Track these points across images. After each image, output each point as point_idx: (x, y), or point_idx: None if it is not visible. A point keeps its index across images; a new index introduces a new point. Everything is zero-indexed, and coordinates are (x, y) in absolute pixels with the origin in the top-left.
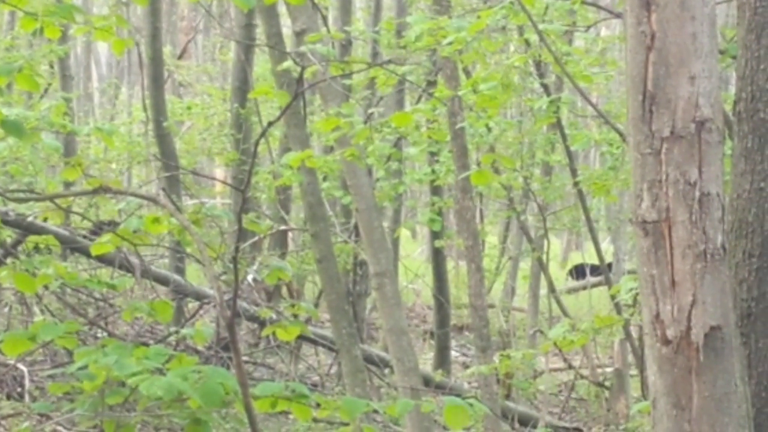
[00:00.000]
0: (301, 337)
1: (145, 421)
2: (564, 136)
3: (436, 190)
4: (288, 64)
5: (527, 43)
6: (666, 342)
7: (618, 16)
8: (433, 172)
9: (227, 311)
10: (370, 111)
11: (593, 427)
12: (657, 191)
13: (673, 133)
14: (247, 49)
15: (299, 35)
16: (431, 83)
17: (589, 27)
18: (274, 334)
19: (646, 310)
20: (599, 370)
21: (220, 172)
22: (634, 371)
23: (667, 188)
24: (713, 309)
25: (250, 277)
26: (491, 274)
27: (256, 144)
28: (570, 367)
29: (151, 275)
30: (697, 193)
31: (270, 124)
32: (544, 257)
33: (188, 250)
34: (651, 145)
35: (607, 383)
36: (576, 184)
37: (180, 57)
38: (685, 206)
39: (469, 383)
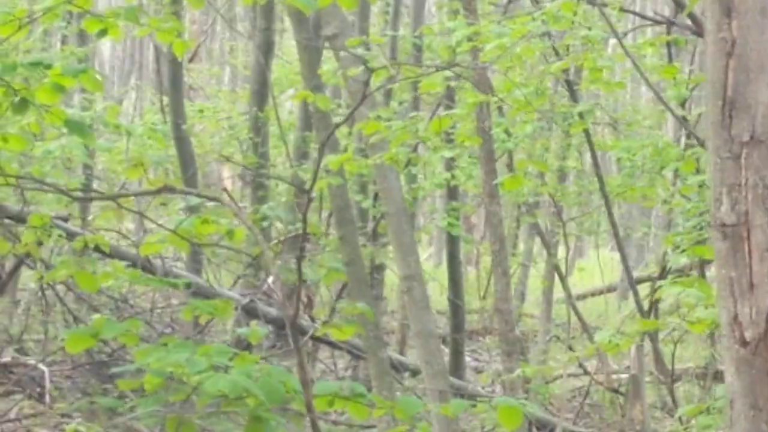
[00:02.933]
0: (319, 340)
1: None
2: (591, 143)
3: (452, 195)
4: (356, 70)
5: (567, 49)
6: (744, 343)
7: (659, 22)
8: (453, 177)
9: (290, 310)
10: (411, 115)
11: None
12: (736, 195)
13: (753, 138)
14: (266, 52)
15: (330, 39)
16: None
17: (626, 33)
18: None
19: (724, 312)
20: (614, 376)
21: (226, 174)
22: (648, 378)
23: (746, 192)
24: None
25: (270, 279)
26: None
27: (323, 144)
28: (585, 372)
29: (173, 276)
30: None
31: (338, 125)
32: (563, 264)
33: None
34: (730, 150)
35: (621, 389)
36: (602, 190)
37: (191, 60)
38: (764, 210)
39: (483, 387)
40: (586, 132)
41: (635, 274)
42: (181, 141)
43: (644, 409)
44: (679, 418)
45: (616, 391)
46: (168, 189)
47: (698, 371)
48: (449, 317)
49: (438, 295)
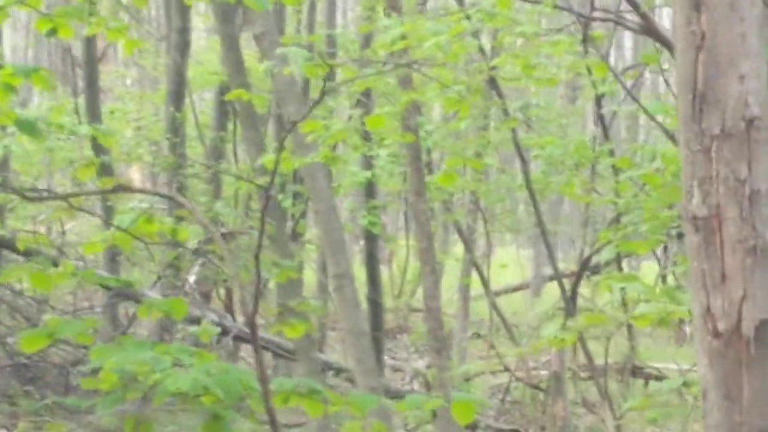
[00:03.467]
0: (241, 339)
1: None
2: (516, 139)
3: (370, 193)
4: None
5: (493, 48)
6: (717, 335)
7: (606, 20)
8: (373, 175)
9: (250, 308)
10: (349, 113)
11: (529, 429)
12: (707, 188)
13: (723, 131)
14: (183, 52)
15: (258, 38)
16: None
17: (560, 30)
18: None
19: (697, 304)
20: (534, 373)
21: (136, 175)
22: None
23: (717, 185)
24: (763, 302)
25: (191, 279)
26: (414, 277)
27: (281, 142)
28: (505, 369)
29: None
30: (747, 190)
31: (294, 123)
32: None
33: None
34: (701, 143)
35: (541, 385)
36: (529, 187)
37: (99, 61)
38: (735, 203)
39: (402, 385)
40: (513, 129)
41: (548, 271)
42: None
43: (565, 405)
44: (612, 412)
45: (536, 387)
46: (122, 188)
47: (616, 367)
48: (368, 316)
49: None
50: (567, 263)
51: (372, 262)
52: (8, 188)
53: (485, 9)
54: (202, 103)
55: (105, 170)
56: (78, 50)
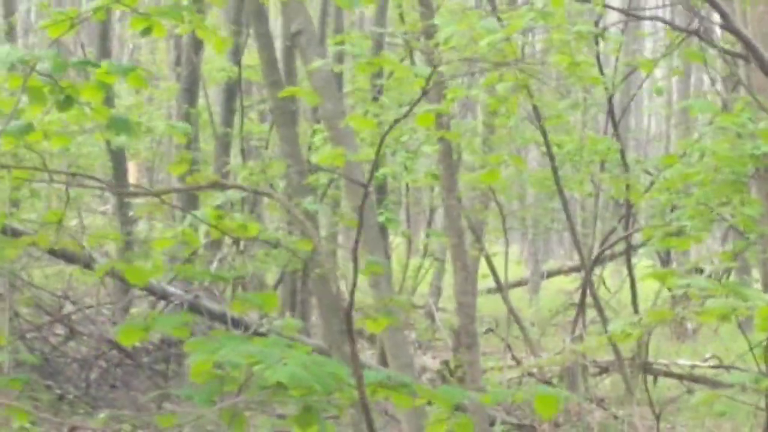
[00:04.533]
0: (258, 335)
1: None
2: (547, 142)
3: (382, 190)
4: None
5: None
6: None
7: (638, 17)
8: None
9: (346, 302)
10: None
11: (543, 425)
12: None
13: None
14: (196, 50)
15: (295, 36)
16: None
17: (606, 28)
18: None
19: None
20: (546, 368)
21: (132, 170)
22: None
23: None
24: None
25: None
26: (414, 273)
27: (381, 140)
28: (517, 363)
29: (116, 274)
30: None
31: (397, 121)
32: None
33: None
34: None
35: (553, 381)
36: (558, 183)
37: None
38: None
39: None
40: (543, 128)
41: (546, 267)
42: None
43: (579, 401)
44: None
45: (548, 382)
46: (218, 185)
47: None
48: None
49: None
50: (563, 259)
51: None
52: (97, 181)
53: (538, 8)
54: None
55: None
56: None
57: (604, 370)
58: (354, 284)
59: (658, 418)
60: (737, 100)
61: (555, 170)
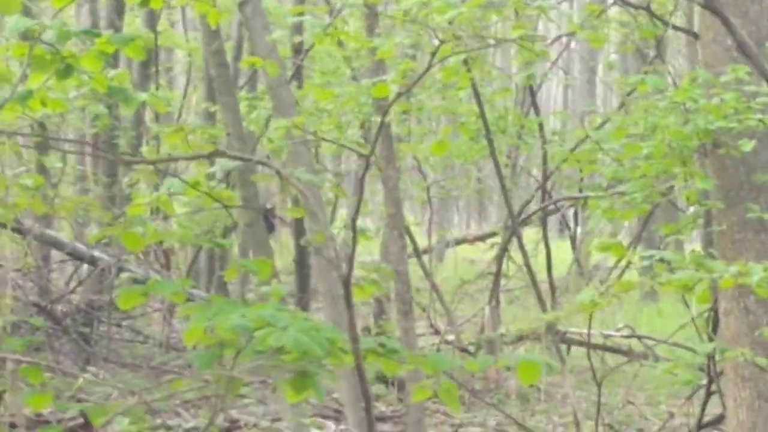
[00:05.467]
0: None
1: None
2: (482, 108)
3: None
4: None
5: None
6: None
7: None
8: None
9: (346, 268)
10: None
11: (460, 391)
12: None
13: None
14: (119, 13)
15: (241, 6)
16: None
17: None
18: None
19: None
20: (463, 336)
21: None
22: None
23: None
24: None
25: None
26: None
27: (385, 113)
28: (435, 332)
29: (46, 239)
30: None
31: (400, 95)
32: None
33: None
34: None
35: (471, 349)
36: (493, 154)
37: None
38: None
39: None
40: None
41: (451, 236)
42: None
43: (499, 368)
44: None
45: (465, 350)
46: (218, 153)
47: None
48: (295, 279)
49: None
50: (460, 229)
51: (299, 227)
52: (101, 151)
53: None
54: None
55: None
56: None
57: (519, 338)
58: (353, 252)
59: (599, 385)
60: (686, 75)
61: (490, 141)
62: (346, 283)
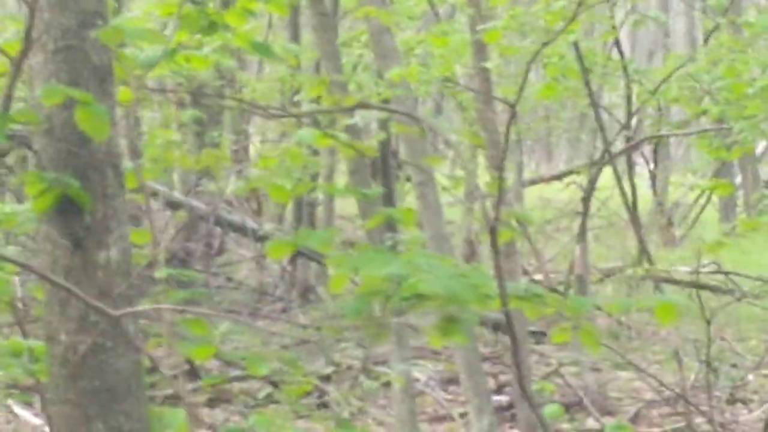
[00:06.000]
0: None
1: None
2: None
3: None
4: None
5: None
6: None
7: None
8: None
9: (492, 214)
10: None
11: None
12: None
13: None
14: None
15: None
16: None
17: None
18: None
19: None
20: (552, 275)
21: None
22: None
23: None
24: None
25: (229, 189)
26: None
27: (529, 64)
28: (524, 272)
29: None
30: None
31: (545, 44)
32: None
33: None
34: None
35: (560, 288)
36: (588, 88)
37: None
38: None
39: None
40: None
41: (527, 176)
42: None
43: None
44: None
45: (554, 290)
46: (363, 105)
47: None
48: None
49: None
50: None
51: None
52: (244, 103)
53: None
54: None
55: None
56: None
57: (605, 276)
58: (500, 197)
59: (709, 323)
60: None
61: (588, 82)
62: (493, 229)
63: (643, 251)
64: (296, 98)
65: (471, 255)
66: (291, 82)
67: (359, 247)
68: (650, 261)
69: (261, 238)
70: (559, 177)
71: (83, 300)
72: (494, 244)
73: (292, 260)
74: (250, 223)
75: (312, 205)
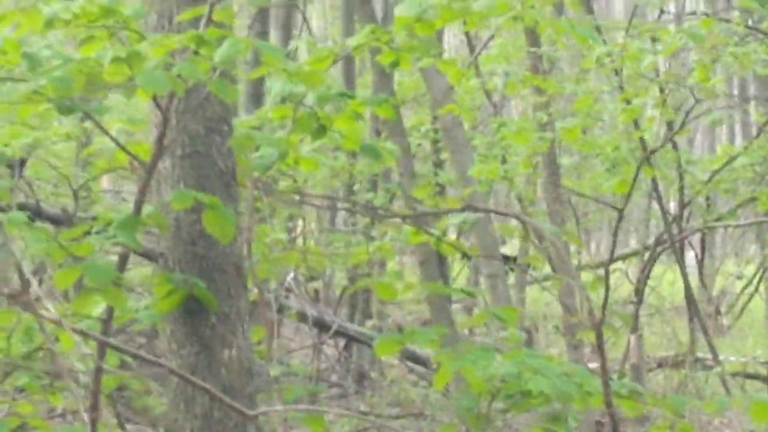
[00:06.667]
0: (342, 335)
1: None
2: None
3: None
4: None
5: None
6: None
7: None
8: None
9: (598, 314)
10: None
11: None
12: None
13: None
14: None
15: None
16: None
17: None
18: None
19: None
20: (610, 365)
21: None
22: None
23: None
24: None
25: (290, 276)
26: None
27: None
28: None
29: None
30: None
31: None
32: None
33: None
34: None
35: (614, 377)
36: (655, 186)
37: None
38: None
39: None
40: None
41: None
42: None
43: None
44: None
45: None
46: (470, 207)
47: (676, 360)
48: None
49: None
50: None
51: None
52: (356, 206)
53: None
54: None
55: None
56: None
57: (658, 365)
58: (606, 296)
59: None
60: None
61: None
62: (599, 328)
63: (706, 339)
64: (355, 187)
65: (528, 342)
66: (350, 171)
67: (462, 345)
68: (714, 351)
69: (318, 324)
70: (601, 265)
71: (220, 400)
72: (600, 344)
73: (347, 346)
74: (310, 310)
75: (367, 291)
